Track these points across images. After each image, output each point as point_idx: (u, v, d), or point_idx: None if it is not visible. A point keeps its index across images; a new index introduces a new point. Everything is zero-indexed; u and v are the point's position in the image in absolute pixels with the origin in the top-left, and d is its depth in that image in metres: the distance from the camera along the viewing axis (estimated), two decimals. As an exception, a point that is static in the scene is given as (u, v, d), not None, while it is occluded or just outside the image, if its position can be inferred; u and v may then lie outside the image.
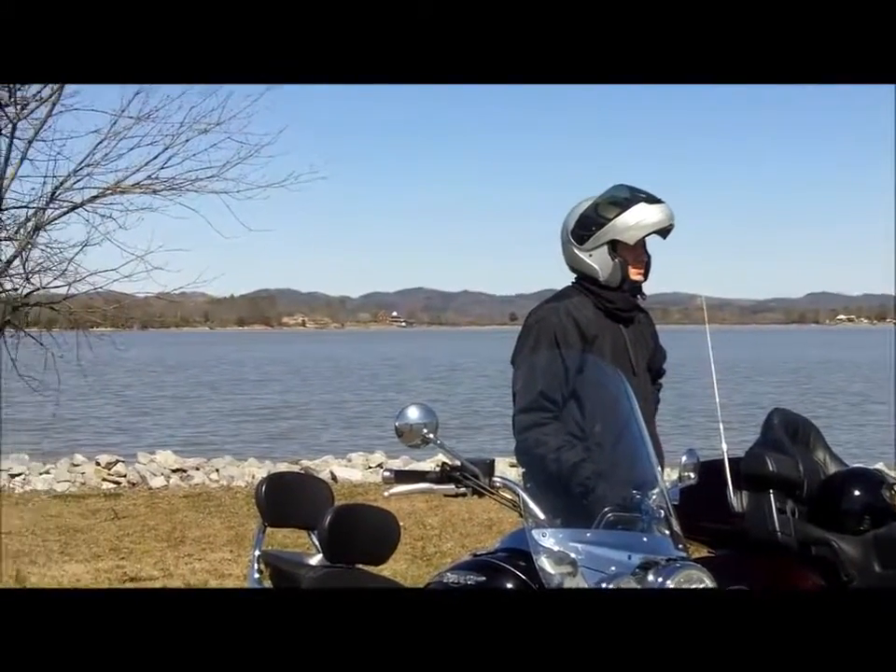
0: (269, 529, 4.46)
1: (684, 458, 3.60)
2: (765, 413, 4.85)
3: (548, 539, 3.12)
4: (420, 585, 3.89)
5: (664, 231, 4.17)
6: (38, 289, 15.31)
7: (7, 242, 15.06)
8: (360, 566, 4.27)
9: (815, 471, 4.65)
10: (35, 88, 14.08)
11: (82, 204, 15.08)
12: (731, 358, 59.12)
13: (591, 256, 4.17)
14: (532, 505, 3.18)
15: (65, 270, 15.14)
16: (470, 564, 3.46)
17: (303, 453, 18.05)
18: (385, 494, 3.35)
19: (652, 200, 4.13)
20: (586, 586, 3.04)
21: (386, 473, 3.35)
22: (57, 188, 14.92)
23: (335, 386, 44.74)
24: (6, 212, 14.96)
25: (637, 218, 4.09)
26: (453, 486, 3.22)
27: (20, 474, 14.10)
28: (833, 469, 4.76)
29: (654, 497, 3.32)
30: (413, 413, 3.16)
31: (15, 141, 14.56)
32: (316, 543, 4.30)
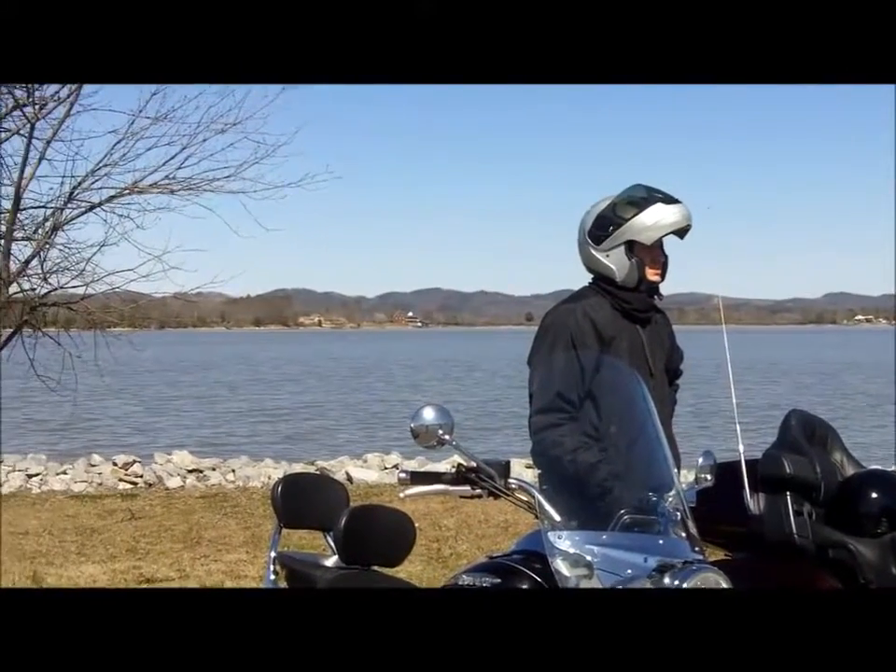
0: (285, 530, 4.46)
1: (701, 460, 3.58)
2: (782, 414, 4.82)
3: (564, 542, 3.10)
4: (435, 587, 3.88)
5: (681, 232, 4.15)
6: (56, 289, 15.36)
7: (25, 242, 15.10)
8: (376, 567, 4.27)
9: (832, 473, 4.63)
10: (53, 88, 14.12)
11: (100, 204, 15.13)
12: (748, 359, 59.01)
13: (608, 256, 4.16)
14: (548, 507, 3.17)
15: (83, 270, 15.17)
16: (486, 566, 3.45)
17: (319, 453, 18.07)
18: (401, 495, 3.34)
19: (670, 200, 4.12)
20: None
21: (402, 474, 3.34)
22: (75, 188, 14.97)
23: (351, 387, 44.80)
24: (24, 212, 15.00)
25: (655, 219, 4.08)
26: (468, 488, 3.21)
27: (37, 474, 14.15)
28: (850, 470, 4.73)
29: (671, 499, 3.30)
30: (429, 414, 3.15)
31: (33, 141, 14.61)
32: (332, 544, 4.30)
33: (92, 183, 15.06)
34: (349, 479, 13.77)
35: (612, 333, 4.13)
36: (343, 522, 4.10)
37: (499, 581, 3.30)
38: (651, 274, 4.20)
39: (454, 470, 3.23)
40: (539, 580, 3.23)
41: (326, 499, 4.52)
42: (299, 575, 4.24)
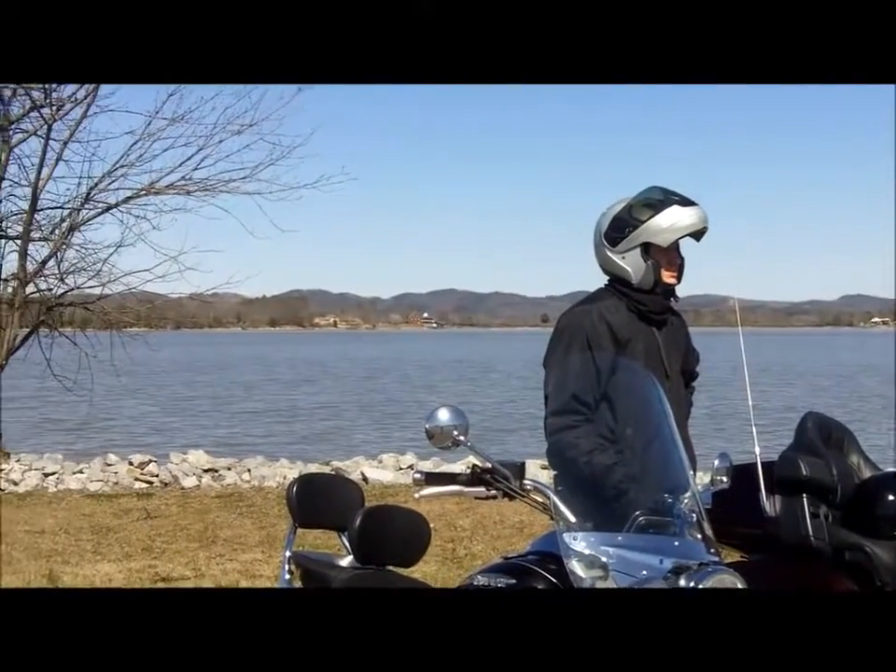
0: (300, 530, 4.47)
1: (717, 462, 3.58)
2: (799, 416, 4.81)
3: (579, 543, 3.10)
4: (450, 587, 3.88)
5: (697, 234, 4.15)
6: (72, 290, 15.49)
7: (42, 242, 15.22)
8: (390, 567, 4.27)
9: (848, 475, 4.61)
10: (70, 89, 14.23)
11: (116, 205, 15.24)
12: (764, 361, 58.85)
13: (623, 258, 4.15)
14: (563, 508, 3.16)
15: (99, 270, 15.34)
16: (501, 566, 3.45)
17: (335, 453, 18.08)
18: (416, 495, 3.34)
19: (686, 202, 4.11)
20: (617, 590, 3.03)
21: (417, 475, 3.34)
22: (92, 188, 15.09)
23: (366, 387, 44.85)
24: (41, 213, 15.13)
25: (671, 221, 4.07)
26: (483, 489, 3.20)
27: (53, 473, 14.20)
28: (866, 473, 4.72)
29: (686, 500, 3.29)
30: (444, 415, 3.15)
31: (50, 142, 14.73)
32: (347, 544, 4.30)
33: (109, 184, 15.18)
34: (364, 479, 13.78)
35: (628, 335, 4.13)
36: (358, 522, 4.11)
37: (514, 581, 3.30)
38: (667, 277, 4.19)
39: (469, 471, 3.23)
40: (553, 580, 3.23)
41: (341, 499, 4.52)
42: (314, 575, 4.24)
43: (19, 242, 14.92)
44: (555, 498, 3.18)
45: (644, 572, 3.04)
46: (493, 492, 3.20)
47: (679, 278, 4.24)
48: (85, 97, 14.50)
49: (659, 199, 4.13)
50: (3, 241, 15.13)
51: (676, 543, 3.19)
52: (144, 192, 15.27)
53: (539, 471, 10.96)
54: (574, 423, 3.89)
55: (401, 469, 14.75)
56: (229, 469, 14.65)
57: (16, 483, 13.78)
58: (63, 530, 10.59)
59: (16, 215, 15.11)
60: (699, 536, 3.23)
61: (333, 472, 12.49)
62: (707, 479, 3.62)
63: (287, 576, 4.34)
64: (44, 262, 15.15)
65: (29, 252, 14.99)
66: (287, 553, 4.38)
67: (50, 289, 15.41)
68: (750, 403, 4.29)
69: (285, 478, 13.72)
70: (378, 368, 65.33)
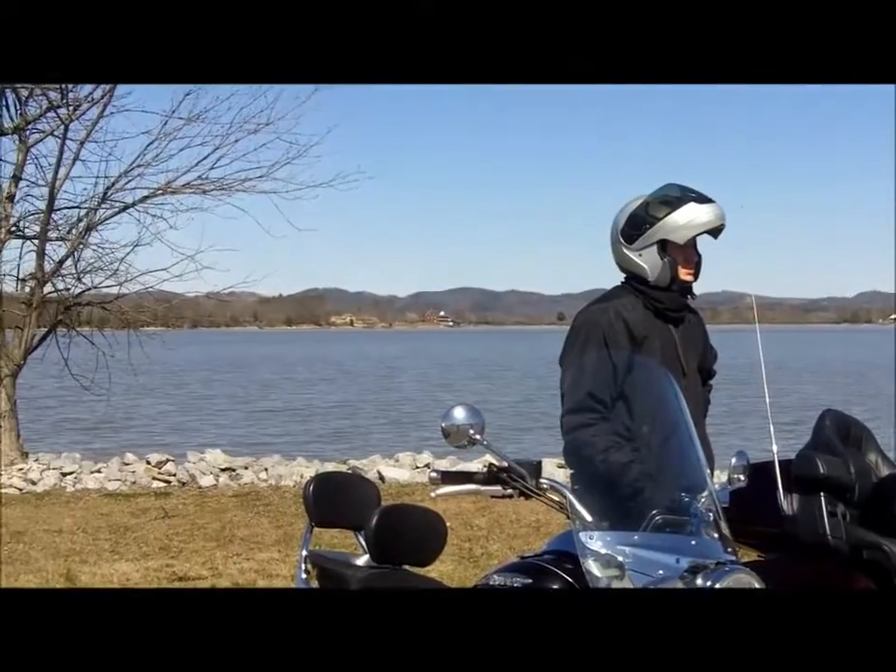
0: (316, 529, 4.47)
1: (734, 460, 3.56)
2: (817, 414, 4.79)
3: (595, 542, 3.09)
4: (467, 586, 3.88)
5: (714, 231, 4.13)
6: (90, 289, 15.56)
7: (60, 242, 15.28)
8: (407, 566, 4.27)
9: (866, 474, 4.59)
10: (86, 89, 14.29)
11: (133, 205, 15.29)
12: (782, 359, 58.66)
13: (640, 255, 4.14)
14: (579, 507, 3.15)
15: (116, 269, 15.40)
16: (517, 566, 3.44)
17: (351, 452, 18.10)
18: (432, 494, 3.34)
19: (703, 199, 4.10)
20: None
21: (433, 474, 3.34)
22: (108, 188, 15.15)
23: (383, 386, 44.89)
24: (58, 212, 15.19)
25: (688, 218, 4.06)
26: (500, 487, 3.20)
27: (71, 473, 14.25)
28: (885, 471, 4.70)
29: (703, 499, 3.29)
30: (460, 414, 3.15)
31: (67, 142, 14.79)
32: (363, 544, 4.30)
33: (126, 183, 15.24)
34: (381, 478, 13.78)
35: (645, 333, 4.11)
36: (375, 521, 4.11)
37: (530, 580, 3.29)
38: (684, 274, 4.18)
39: (485, 470, 3.23)
40: (570, 580, 3.22)
41: (357, 498, 4.52)
42: (330, 574, 4.25)
43: (36, 241, 14.99)
44: (571, 497, 3.17)
45: (660, 571, 3.04)
46: (509, 491, 3.20)
47: (696, 275, 4.22)
48: (101, 97, 14.57)
49: (676, 196, 4.12)
50: (21, 240, 15.20)
51: (692, 542, 3.18)
52: (160, 192, 15.33)
53: (555, 470, 10.94)
54: (590, 421, 3.88)
55: (418, 467, 14.75)
56: (246, 468, 14.67)
57: (34, 483, 13.83)
58: (80, 529, 10.63)
59: (33, 214, 15.19)
60: (716, 535, 3.22)
61: (350, 471, 12.49)
62: (724, 477, 3.61)
63: (304, 575, 4.34)
64: (61, 262, 15.21)
65: (46, 252, 15.06)
66: (304, 552, 4.38)
67: (68, 289, 15.48)
68: (768, 401, 4.27)
69: (301, 477, 13.73)
70: (395, 366, 65.38)
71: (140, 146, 15.63)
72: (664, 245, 4.10)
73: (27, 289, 15.19)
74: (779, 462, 4.29)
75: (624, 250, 4.18)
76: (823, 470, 4.40)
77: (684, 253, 4.15)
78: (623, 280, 4.27)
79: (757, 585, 2.97)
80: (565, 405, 4.02)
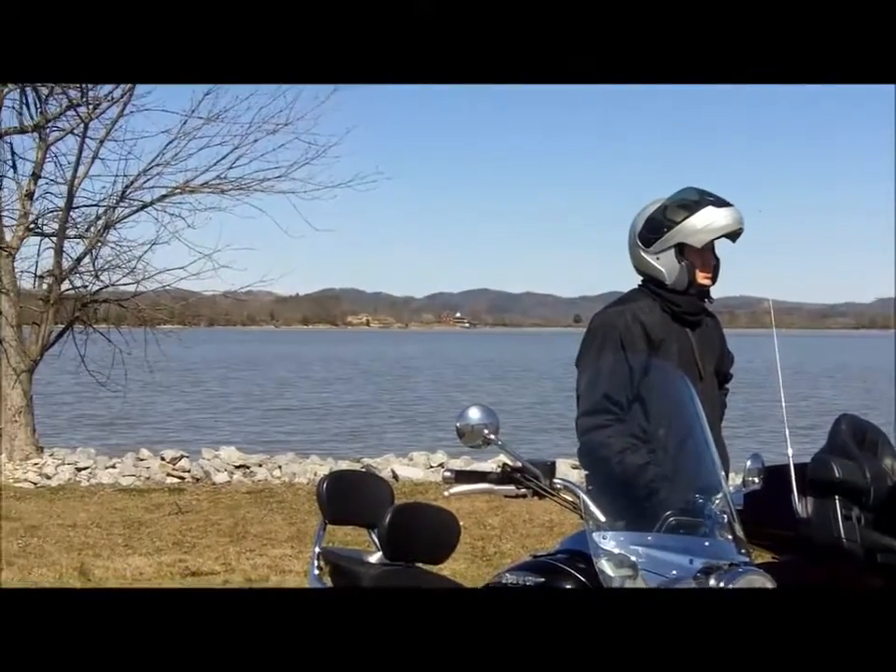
0: (329, 526, 4.48)
1: (749, 463, 3.56)
2: (833, 419, 4.78)
3: (608, 542, 3.09)
4: (479, 585, 3.88)
5: (733, 235, 4.13)
6: (107, 286, 15.61)
7: (78, 240, 15.34)
8: (420, 564, 4.28)
9: (882, 478, 4.58)
10: (106, 88, 14.34)
11: (152, 203, 15.34)
12: (799, 363, 58.49)
13: (658, 259, 4.14)
14: (593, 507, 3.15)
15: (134, 267, 15.46)
16: (530, 565, 3.44)
17: (365, 451, 18.12)
18: (446, 493, 3.34)
19: (721, 203, 4.09)
20: (647, 590, 3.02)
21: (447, 473, 3.34)
22: (127, 187, 15.20)
23: (399, 386, 44.92)
24: (77, 210, 15.25)
25: (706, 222, 4.05)
26: (513, 487, 3.20)
27: (86, 468, 14.30)
28: (901, 476, 4.69)
29: (718, 501, 3.28)
30: (475, 414, 3.15)
31: (87, 141, 14.84)
32: (376, 541, 4.31)
33: (144, 182, 15.29)
34: (395, 476, 13.79)
35: (662, 336, 4.11)
36: (388, 519, 4.11)
37: (543, 580, 3.29)
38: (702, 278, 4.17)
39: (499, 470, 3.23)
40: (583, 579, 3.22)
41: (371, 496, 4.53)
42: (343, 571, 4.25)
43: (54, 239, 15.05)
44: (585, 497, 3.17)
45: (674, 572, 3.04)
46: (523, 490, 3.20)
47: (713, 279, 4.22)
48: (121, 96, 14.62)
49: (694, 199, 4.11)
50: (39, 238, 15.27)
51: (706, 543, 3.18)
52: (179, 191, 15.37)
53: (569, 471, 10.93)
54: (606, 422, 3.88)
55: (432, 467, 14.76)
56: (260, 465, 14.70)
57: (49, 477, 13.89)
58: (94, 524, 10.67)
59: (52, 212, 15.25)
60: (730, 536, 3.22)
61: (364, 469, 12.51)
62: (739, 480, 3.60)
63: (317, 572, 4.35)
64: (79, 259, 15.27)
65: (64, 249, 15.12)
66: (317, 549, 4.39)
67: (85, 286, 15.54)
68: (784, 405, 4.26)
69: (315, 474, 13.76)
70: (410, 367, 65.39)
71: (159, 145, 15.68)
72: (681, 249, 4.10)
73: (45, 286, 15.25)
74: (795, 465, 4.28)
75: (642, 253, 4.18)
76: (838, 474, 4.39)
77: (702, 257, 4.15)
78: (641, 283, 4.27)
79: (770, 587, 2.97)
80: (580, 407, 4.02)
